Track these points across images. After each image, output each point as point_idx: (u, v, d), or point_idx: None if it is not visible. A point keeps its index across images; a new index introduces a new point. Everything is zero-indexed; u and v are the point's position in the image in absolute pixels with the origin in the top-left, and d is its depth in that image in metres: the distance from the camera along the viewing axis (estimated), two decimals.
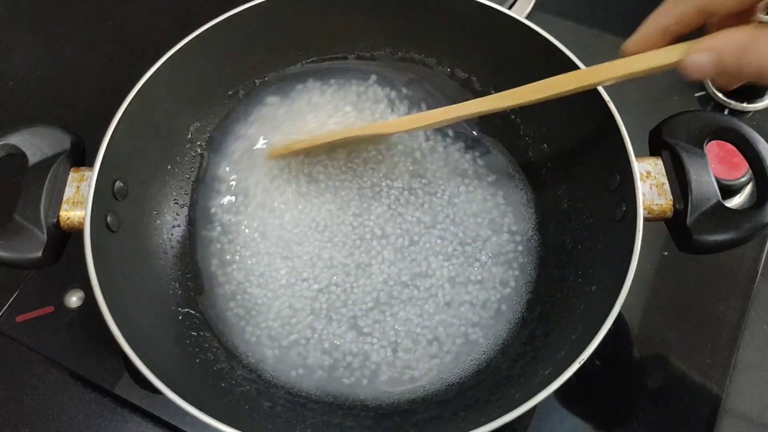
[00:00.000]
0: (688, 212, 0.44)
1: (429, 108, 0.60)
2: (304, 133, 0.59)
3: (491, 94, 0.60)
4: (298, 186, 0.58)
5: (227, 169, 0.59)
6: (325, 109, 0.61)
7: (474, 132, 0.60)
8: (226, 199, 0.58)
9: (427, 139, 0.60)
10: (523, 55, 0.54)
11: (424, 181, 0.58)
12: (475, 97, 0.61)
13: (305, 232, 0.56)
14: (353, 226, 0.56)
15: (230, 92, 0.60)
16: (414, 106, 0.61)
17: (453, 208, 0.57)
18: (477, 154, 0.60)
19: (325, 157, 0.60)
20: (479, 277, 0.54)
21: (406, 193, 0.58)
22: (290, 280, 0.54)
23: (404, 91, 0.62)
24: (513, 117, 0.59)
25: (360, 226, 0.56)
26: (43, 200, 0.45)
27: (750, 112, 0.63)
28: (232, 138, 0.60)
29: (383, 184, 0.58)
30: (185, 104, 0.56)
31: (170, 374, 0.42)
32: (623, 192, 0.46)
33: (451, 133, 0.60)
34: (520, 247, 0.55)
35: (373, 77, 0.62)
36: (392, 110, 0.61)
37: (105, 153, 0.47)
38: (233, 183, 0.59)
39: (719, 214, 0.44)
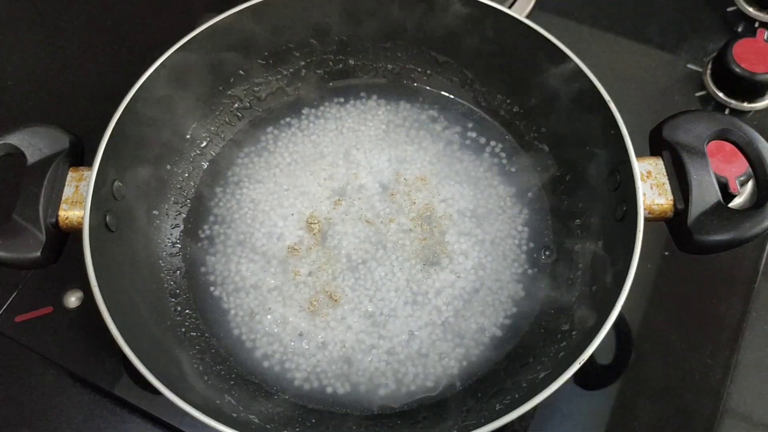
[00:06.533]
0: (689, 212, 0.44)
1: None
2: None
3: (492, 93, 0.60)
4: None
5: (227, 169, 0.59)
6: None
7: (479, 132, 0.60)
8: (226, 199, 0.58)
9: (444, 129, 0.60)
10: (524, 55, 0.54)
11: (441, 175, 0.58)
12: (474, 97, 0.61)
13: (305, 234, 0.56)
14: (361, 226, 0.56)
15: (230, 92, 0.60)
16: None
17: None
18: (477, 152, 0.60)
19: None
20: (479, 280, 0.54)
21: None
22: (290, 286, 0.54)
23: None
24: (514, 117, 0.59)
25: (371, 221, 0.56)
26: (41, 200, 0.45)
27: (750, 112, 0.63)
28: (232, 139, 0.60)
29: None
30: (185, 104, 0.56)
31: (169, 375, 0.41)
32: (624, 192, 0.46)
33: (470, 134, 0.60)
34: (522, 248, 0.55)
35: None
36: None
37: (104, 153, 0.47)
38: (233, 183, 0.59)
39: (720, 214, 0.44)
